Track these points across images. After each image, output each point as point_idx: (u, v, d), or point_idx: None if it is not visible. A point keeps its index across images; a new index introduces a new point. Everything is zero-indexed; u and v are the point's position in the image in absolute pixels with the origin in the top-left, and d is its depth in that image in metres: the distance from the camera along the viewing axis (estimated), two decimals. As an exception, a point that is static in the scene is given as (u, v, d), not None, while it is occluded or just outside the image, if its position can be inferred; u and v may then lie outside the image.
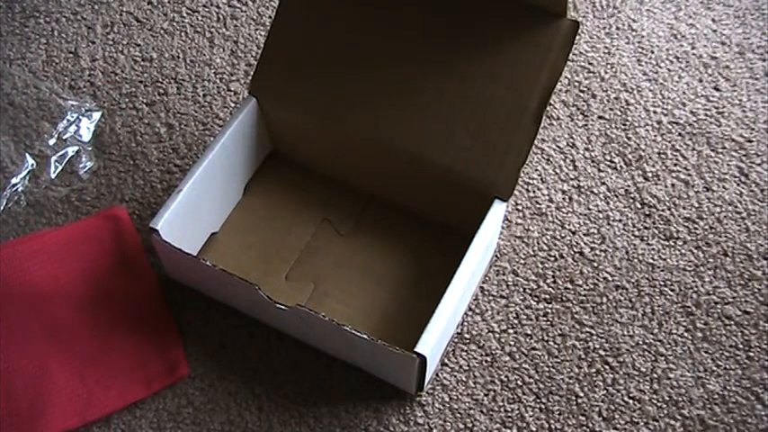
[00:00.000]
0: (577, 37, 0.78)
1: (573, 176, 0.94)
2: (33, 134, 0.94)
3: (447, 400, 0.80)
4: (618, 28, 1.06)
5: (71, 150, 0.94)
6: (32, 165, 0.92)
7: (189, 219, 0.82)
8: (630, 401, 0.80)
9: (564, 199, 0.92)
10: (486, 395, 0.80)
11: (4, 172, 0.92)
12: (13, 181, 0.91)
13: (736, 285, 0.86)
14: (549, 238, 0.89)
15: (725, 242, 0.89)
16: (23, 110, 0.97)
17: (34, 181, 0.92)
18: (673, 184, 0.93)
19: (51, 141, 0.93)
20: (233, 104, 0.99)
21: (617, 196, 0.92)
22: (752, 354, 0.82)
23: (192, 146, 0.96)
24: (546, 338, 0.83)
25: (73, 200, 0.91)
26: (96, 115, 0.96)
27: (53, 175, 0.92)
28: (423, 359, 0.72)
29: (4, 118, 0.96)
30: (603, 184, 0.93)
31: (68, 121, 0.95)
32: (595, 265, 0.88)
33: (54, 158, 0.93)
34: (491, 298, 0.85)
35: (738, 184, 0.93)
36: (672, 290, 0.86)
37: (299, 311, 0.75)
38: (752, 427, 0.79)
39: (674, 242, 0.89)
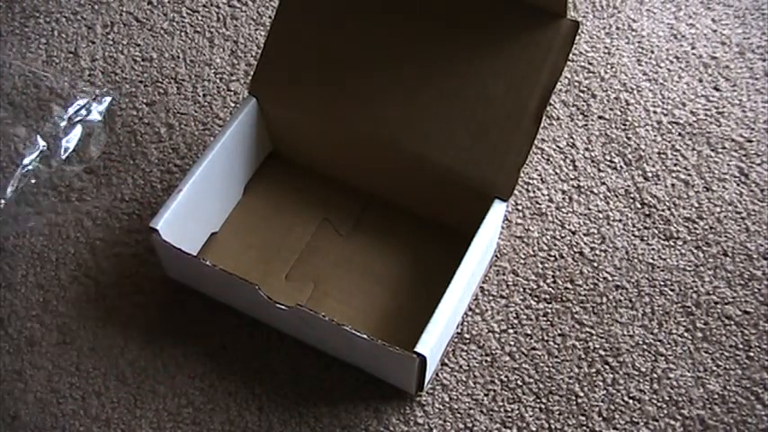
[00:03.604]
0: (577, 37, 0.78)
1: (573, 176, 0.94)
2: (45, 115, 0.95)
3: (447, 400, 0.80)
4: (618, 28, 1.06)
5: (80, 131, 0.94)
6: (43, 146, 0.93)
7: (189, 219, 0.82)
8: (630, 401, 0.80)
9: (564, 199, 0.92)
10: (486, 395, 0.80)
11: (16, 155, 0.92)
12: (25, 162, 0.91)
13: (736, 285, 0.86)
14: (549, 238, 0.89)
15: (725, 242, 0.89)
16: (28, 97, 0.97)
17: (46, 162, 0.92)
18: (673, 184, 0.93)
19: (62, 123, 0.94)
20: (233, 104, 0.99)
21: (617, 196, 0.92)
22: (752, 354, 0.82)
23: (192, 146, 0.96)
24: (546, 338, 0.83)
25: (73, 199, 0.91)
26: (107, 100, 0.97)
27: (63, 156, 0.92)
28: (423, 359, 0.72)
29: (15, 102, 0.96)
30: (603, 184, 0.93)
31: (79, 105, 0.95)
32: (595, 265, 0.88)
33: (64, 140, 0.93)
34: (491, 298, 0.85)
35: (738, 184, 0.93)
36: (672, 290, 0.86)
37: (299, 311, 0.75)
38: (752, 427, 0.79)
39: (674, 242, 0.89)
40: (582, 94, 1.00)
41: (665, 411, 0.79)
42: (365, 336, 0.72)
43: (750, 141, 0.96)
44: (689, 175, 0.94)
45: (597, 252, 0.88)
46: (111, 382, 0.81)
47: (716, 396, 0.80)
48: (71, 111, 0.95)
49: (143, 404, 0.80)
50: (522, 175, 0.88)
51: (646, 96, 1.00)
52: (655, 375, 0.81)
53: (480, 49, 0.80)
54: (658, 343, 0.83)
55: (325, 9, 0.85)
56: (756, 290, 0.86)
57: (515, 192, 0.86)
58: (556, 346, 0.83)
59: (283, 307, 0.75)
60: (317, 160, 0.90)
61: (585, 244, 0.89)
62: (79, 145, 0.94)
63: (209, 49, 1.03)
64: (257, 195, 0.91)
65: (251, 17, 1.06)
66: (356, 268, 0.86)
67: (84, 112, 0.95)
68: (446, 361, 0.82)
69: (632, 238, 0.89)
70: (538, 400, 0.80)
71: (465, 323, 0.84)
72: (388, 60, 0.83)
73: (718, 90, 1.00)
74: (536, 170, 0.94)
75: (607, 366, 0.82)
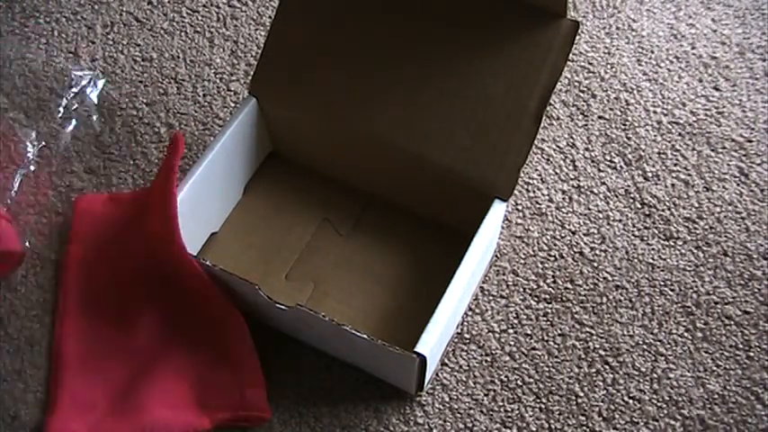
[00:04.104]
0: (577, 37, 0.78)
1: (573, 176, 0.94)
2: (45, 115, 0.96)
3: (447, 400, 0.80)
4: (618, 28, 1.06)
5: (77, 122, 0.96)
6: (43, 146, 0.93)
7: (189, 219, 0.82)
8: (630, 401, 0.80)
9: (564, 199, 0.92)
10: (486, 395, 0.80)
11: (16, 155, 0.92)
12: (25, 162, 0.91)
13: (736, 285, 0.86)
14: (549, 238, 0.89)
15: (725, 242, 0.89)
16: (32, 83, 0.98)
17: (46, 162, 0.92)
18: (673, 184, 0.93)
19: (59, 117, 0.94)
20: (233, 104, 0.99)
21: (617, 196, 0.92)
22: (752, 354, 0.82)
23: (192, 146, 0.96)
24: (546, 338, 0.83)
25: (72, 197, 0.91)
26: (101, 83, 0.98)
27: (62, 153, 0.93)
28: (423, 359, 0.72)
29: (15, 102, 0.96)
30: (603, 184, 0.93)
31: (74, 92, 0.97)
32: (595, 265, 0.88)
33: (63, 137, 0.94)
34: (491, 298, 0.85)
35: (738, 184, 0.93)
36: (672, 290, 0.86)
37: (299, 311, 0.75)
38: (752, 427, 0.79)
39: (674, 242, 0.89)
40: (582, 94, 1.00)
41: (665, 411, 0.79)
42: (365, 336, 0.72)
43: (750, 141, 0.96)
44: (689, 175, 0.94)
45: (597, 252, 0.88)
46: (111, 382, 0.81)
47: (716, 396, 0.80)
48: (64, 102, 0.95)
49: (143, 404, 0.80)
50: (522, 175, 0.88)
51: (646, 96, 1.00)
52: (655, 375, 0.81)
53: (480, 49, 0.80)
54: (658, 343, 0.83)
55: (325, 9, 0.85)
56: (756, 290, 0.86)
57: (515, 192, 0.86)
58: (556, 346, 0.83)
59: (283, 307, 0.75)
60: (317, 160, 0.90)
61: (585, 244, 0.89)
62: (78, 134, 0.94)
63: (209, 49, 1.03)
64: (257, 195, 0.91)
65: (251, 17, 1.06)
66: (356, 268, 0.86)
67: (78, 100, 0.96)
68: (446, 361, 0.82)
69: (632, 238, 0.89)
70: (538, 400, 0.80)
71: (465, 323, 0.84)
72: (388, 60, 0.83)
73: (718, 90, 1.00)
74: (536, 170, 0.94)
75: (607, 366, 0.82)
